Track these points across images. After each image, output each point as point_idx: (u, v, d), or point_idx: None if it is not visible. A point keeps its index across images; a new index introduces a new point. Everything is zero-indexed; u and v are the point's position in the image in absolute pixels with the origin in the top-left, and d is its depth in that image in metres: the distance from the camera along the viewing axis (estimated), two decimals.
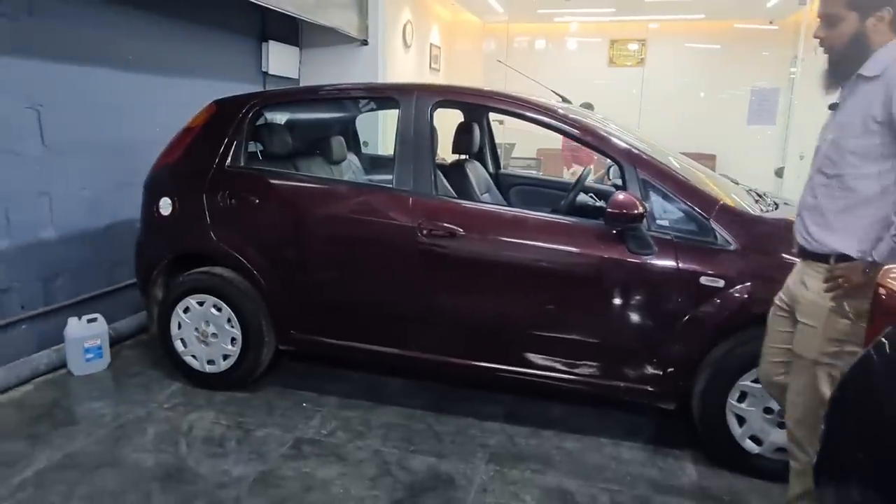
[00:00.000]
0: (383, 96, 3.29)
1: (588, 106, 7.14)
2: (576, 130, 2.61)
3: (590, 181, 3.65)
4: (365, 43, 5.58)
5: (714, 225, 2.35)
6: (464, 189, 3.34)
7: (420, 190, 2.69)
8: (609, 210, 2.30)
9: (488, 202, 3.31)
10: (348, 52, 5.62)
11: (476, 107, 3.39)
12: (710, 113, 9.14)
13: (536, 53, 10.10)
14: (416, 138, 2.74)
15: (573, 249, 2.48)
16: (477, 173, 3.63)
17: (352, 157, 3.97)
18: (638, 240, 2.37)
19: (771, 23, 8.96)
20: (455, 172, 3.43)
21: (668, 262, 2.35)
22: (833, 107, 1.83)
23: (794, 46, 9.00)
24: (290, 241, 2.87)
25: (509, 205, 3.95)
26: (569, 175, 6.40)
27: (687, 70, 9.50)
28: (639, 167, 2.45)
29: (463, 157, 3.61)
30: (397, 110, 2.80)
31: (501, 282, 2.57)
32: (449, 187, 3.06)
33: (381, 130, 5.63)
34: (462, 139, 3.49)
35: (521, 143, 8.12)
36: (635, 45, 9.70)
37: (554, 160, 8.10)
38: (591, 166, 3.11)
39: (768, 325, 2.04)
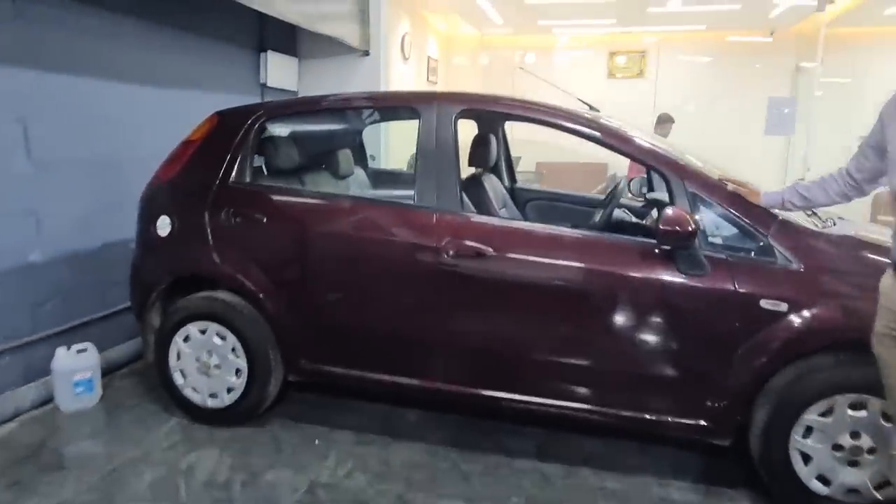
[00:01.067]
0: (401, 105, 3.06)
1: (667, 118, 6.88)
2: (618, 142, 2.40)
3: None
4: (366, 54, 5.38)
5: (773, 242, 2.14)
6: (482, 204, 3.13)
7: (444, 206, 2.47)
8: (662, 227, 2.09)
9: (507, 218, 3.09)
10: (349, 62, 5.42)
11: (503, 116, 3.18)
12: (709, 124, 9.02)
13: (535, 66, 9.98)
14: (439, 150, 2.52)
15: (616, 270, 2.26)
16: (494, 187, 3.42)
17: (359, 172, 3.76)
18: (690, 259, 2.15)
19: (772, 34, 8.89)
20: (472, 187, 3.21)
21: (724, 284, 2.14)
22: None
23: (797, 57, 8.99)
24: (300, 263, 2.64)
25: (525, 220, 3.76)
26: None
27: (687, 81, 9.42)
28: (687, 180, 2.24)
29: (478, 170, 3.40)
30: (417, 121, 2.58)
31: (536, 306, 2.35)
32: (469, 203, 2.84)
33: (384, 143, 5.44)
34: (479, 152, 3.27)
35: (524, 156, 7.95)
36: (635, 56, 9.62)
37: (557, 174, 7.94)
38: (625, 178, 2.91)
39: (887, 361, 1.82)
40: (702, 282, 2.15)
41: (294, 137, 3.24)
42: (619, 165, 8.87)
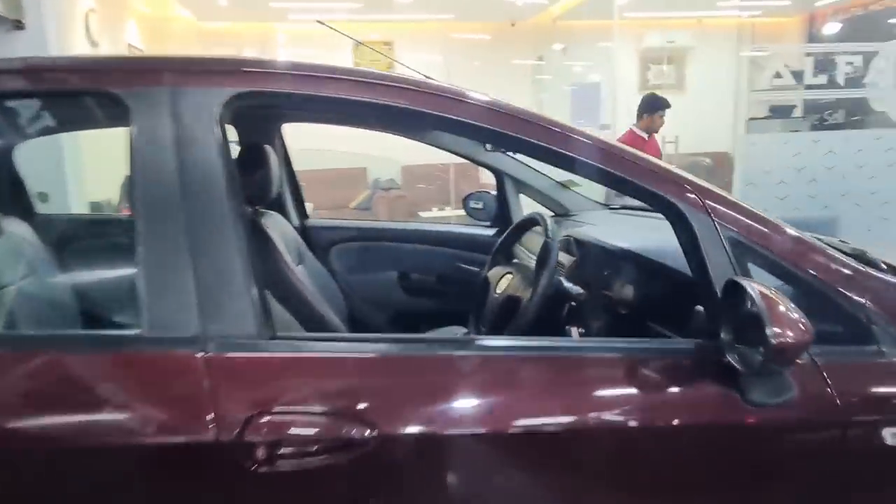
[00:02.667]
0: (85, 89, 1.24)
1: (662, 104, 4.68)
2: (587, 151, 1.19)
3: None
4: (19, 25, 3.40)
5: (875, 315, 1.18)
6: (270, 266, 1.73)
7: (222, 326, 1.02)
8: (777, 341, 0.95)
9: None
10: None
11: (358, 109, 1.48)
12: None
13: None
14: (191, 194, 1.06)
15: (630, 421, 1.10)
16: (283, 233, 2.01)
17: (16, 230, 1.90)
18: (772, 380, 1.08)
19: (513, 25, 8.82)
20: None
21: (821, 411, 1.12)
22: None
23: (538, 48, 9.05)
24: None
25: (333, 276, 2.40)
26: None
27: (434, 75, 8.88)
28: (718, 213, 1.16)
29: (253, 209, 1.93)
30: (127, 127, 1.08)
31: None
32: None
33: (69, 160, 3.56)
34: (254, 177, 1.81)
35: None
36: (383, 48, 8.75)
37: (323, 186, 6.63)
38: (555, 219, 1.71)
39: None
40: (787, 413, 1.11)
41: None
42: (381, 169, 7.92)
